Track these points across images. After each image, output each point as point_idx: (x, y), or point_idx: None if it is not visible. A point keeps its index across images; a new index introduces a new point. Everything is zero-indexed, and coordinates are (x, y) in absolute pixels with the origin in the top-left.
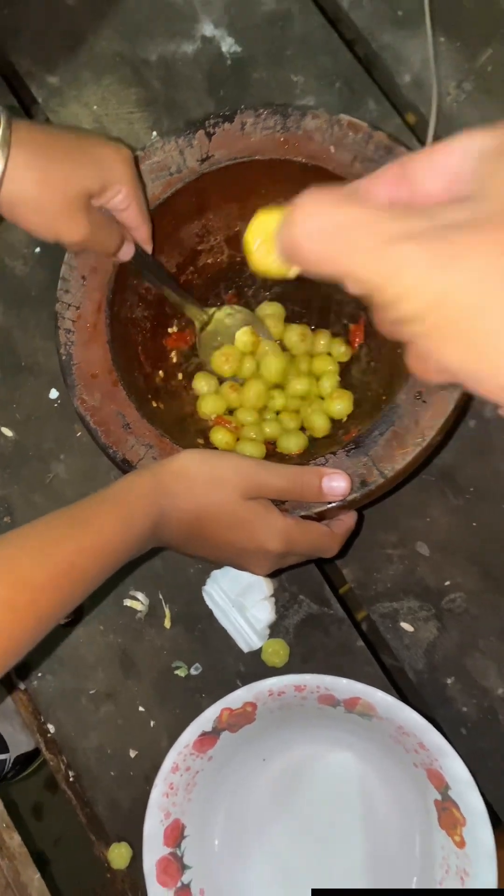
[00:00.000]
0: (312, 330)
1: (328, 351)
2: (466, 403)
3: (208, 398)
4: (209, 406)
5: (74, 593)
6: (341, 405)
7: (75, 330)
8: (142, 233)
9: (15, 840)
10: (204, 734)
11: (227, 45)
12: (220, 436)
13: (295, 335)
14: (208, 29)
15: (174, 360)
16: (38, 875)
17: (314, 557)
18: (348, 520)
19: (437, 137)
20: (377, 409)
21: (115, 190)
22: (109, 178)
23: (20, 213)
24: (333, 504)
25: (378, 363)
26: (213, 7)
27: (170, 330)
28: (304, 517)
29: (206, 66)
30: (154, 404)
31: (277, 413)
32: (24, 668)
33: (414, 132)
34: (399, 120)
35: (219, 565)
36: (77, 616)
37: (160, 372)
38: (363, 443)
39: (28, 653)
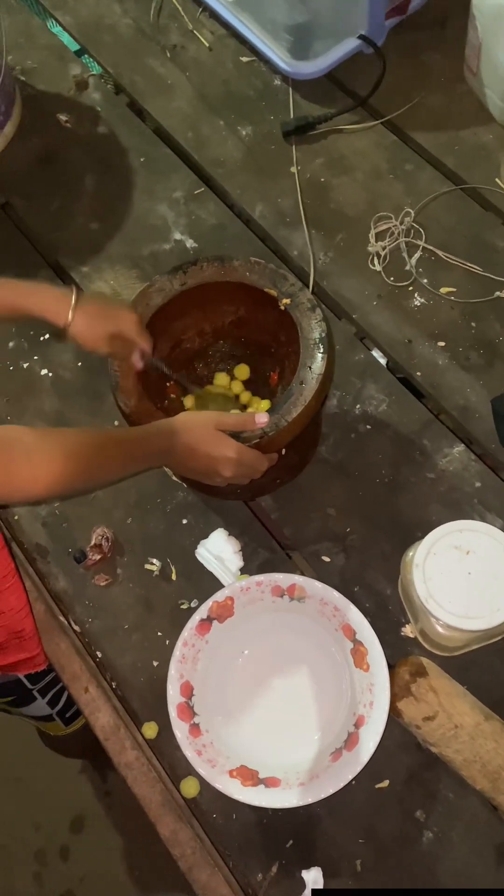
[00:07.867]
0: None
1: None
2: (324, 385)
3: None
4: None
5: (105, 464)
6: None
7: (119, 373)
8: (145, 348)
9: None
10: (202, 621)
11: (189, 244)
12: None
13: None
14: (178, 236)
15: (170, 394)
16: None
17: (255, 470)
18: (272, 455)
19: (315, 283)
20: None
21: (128, 332)
22: (123, 328)
23: (76, 340)
24: (262, 433)
25: (283, 384)
26: (179, 224)
27: (167, 384)
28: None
29: (177, 256)
30: (157, 407)
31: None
32: (77, 616)
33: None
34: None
35: (204, 489)
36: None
37: (164, 401)
38: (275, 409)
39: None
